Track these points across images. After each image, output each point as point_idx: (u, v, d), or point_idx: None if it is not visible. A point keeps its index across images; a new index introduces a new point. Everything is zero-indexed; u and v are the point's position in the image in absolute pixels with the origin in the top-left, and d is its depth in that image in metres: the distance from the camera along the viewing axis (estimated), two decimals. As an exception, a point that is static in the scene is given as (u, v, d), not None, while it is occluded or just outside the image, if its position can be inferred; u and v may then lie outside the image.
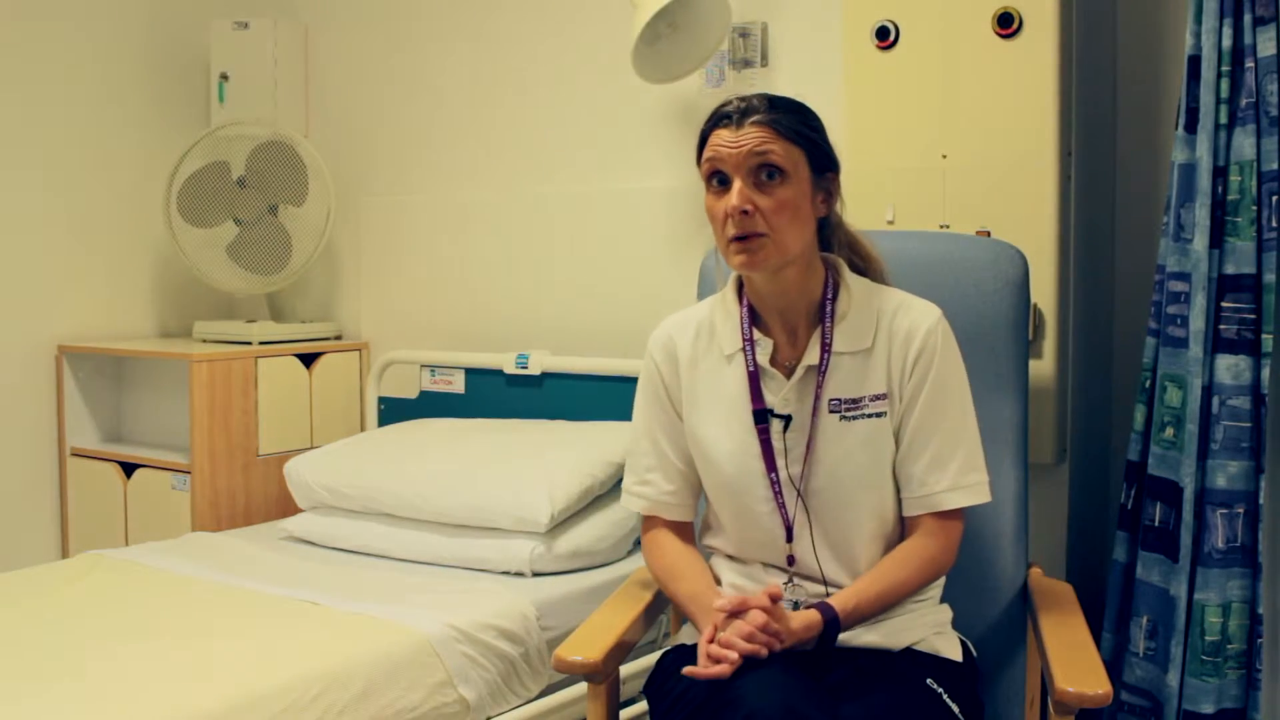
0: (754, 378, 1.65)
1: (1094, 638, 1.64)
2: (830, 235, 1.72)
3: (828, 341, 1.63)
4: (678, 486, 1.74)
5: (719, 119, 1.60)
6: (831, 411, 1.63)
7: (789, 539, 1.64)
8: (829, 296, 1.65)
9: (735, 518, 1.69)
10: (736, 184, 1.56)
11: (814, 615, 1.53)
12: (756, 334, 1.67)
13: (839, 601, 1.56)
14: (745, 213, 1.55)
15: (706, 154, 1.60)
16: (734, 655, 1.44)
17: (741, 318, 1.68)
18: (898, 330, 1.64)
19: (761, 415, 1.64)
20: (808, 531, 1.64)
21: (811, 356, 1.64)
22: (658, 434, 1.74)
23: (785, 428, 1.64)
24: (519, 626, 2.19)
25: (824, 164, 1.63)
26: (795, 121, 1.59)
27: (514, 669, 2.16)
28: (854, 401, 1.63)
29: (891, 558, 1.64)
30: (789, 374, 1.65)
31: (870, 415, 1.63)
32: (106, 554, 2.55)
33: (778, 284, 1.63)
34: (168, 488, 3.04)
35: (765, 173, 1.57)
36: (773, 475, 1.63)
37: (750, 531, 1.67)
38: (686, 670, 1.48)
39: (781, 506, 1.63)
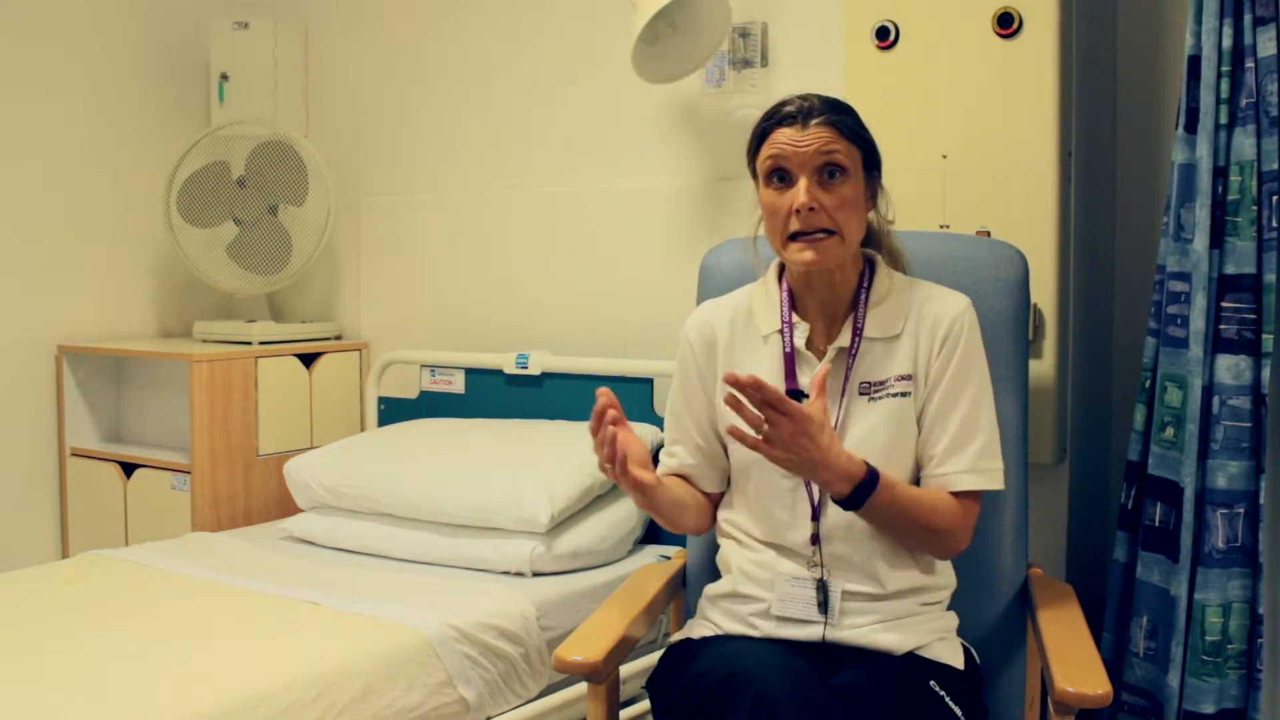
0: (789, 359, 1.70)
1: (1094, 638, 1.64)
2: (869, 231, 1.77)
3: (859, 326, 1.69)
4: (697, 461, 1.80)
5: (781, 118, 1.64)
6: (860, 394, 1.68)
7: (815, 517, 1.66)
8: (865, 286, 1.71)
9: (758, 494, 1.71)
10: (802, 181, 1.62)
11: (859, 462, 1.56)
12: (795, 317, 1.72)
13: (882, 471, 1.58)
14: (812, 209, 1.60)
15: (769, 151, 1.65)
16: (744, 377, 1.44)
17: (781, 301, 1.73)
18: (926, 316, 1.70)
19: (794, 395, 1.67)
20: (830, 510, 1.66)
21: (843, 339, 1.69)
22: (681, 411, 1.81)
23: None
24: (519, 626, 2.19)
25: (874, 163, 1.69)
26: (853, 122, 1.66)
27: (514, 669, 2.16)
28: (880, 383, 1.68)
29: (924, 490, 1.66)
30: (822, 357, 1.70)
31: (895, 395, 1.67)
32: (106, 554, 2.55)
33: (826, 275, 1.69)
34: (168, 488, 3.04)
35: (829, 171, 1.62)
36: None
37: (773, 509, 1.69)
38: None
39: (808, 484, 1.66)
